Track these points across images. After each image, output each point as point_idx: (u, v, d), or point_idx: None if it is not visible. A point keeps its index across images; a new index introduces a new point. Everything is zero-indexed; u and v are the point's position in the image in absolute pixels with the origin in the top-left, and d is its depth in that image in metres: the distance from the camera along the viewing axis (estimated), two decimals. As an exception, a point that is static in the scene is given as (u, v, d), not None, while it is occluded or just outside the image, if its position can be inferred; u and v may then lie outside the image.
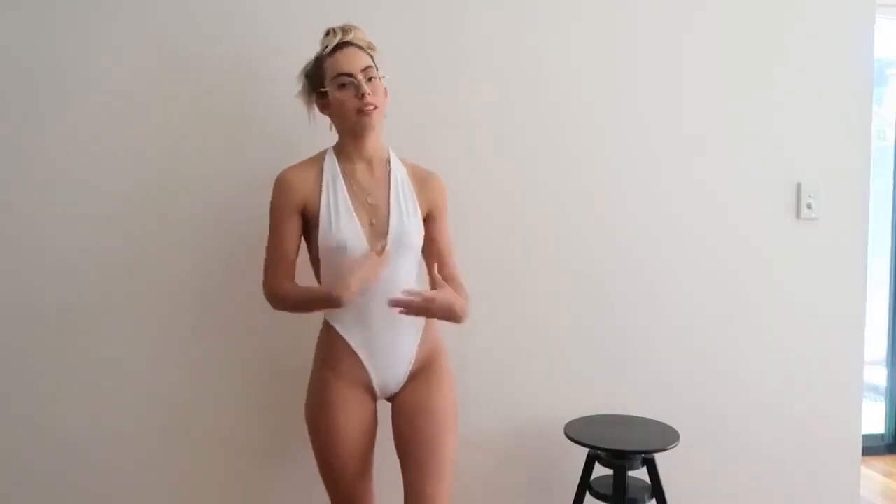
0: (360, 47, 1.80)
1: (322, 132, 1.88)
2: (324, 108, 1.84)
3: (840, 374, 2.48)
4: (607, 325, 2.33)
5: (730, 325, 2.40)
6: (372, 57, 1.82)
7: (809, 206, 2.42)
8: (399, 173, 1.85)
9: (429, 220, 1.88)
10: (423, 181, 1.88)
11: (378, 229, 1.78)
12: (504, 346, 2.13)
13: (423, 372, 1.85)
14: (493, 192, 2.22)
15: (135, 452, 2.09)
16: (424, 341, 1.85)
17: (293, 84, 1.89)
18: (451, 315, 1.76)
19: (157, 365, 2.09)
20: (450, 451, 1.81)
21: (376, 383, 1.82)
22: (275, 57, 2.05)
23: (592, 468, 2.12)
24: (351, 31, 1.81)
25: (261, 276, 1.82)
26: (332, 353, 1.82)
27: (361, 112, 1.75)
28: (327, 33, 1.82)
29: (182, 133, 2.06)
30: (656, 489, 2.07)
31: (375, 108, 1.76)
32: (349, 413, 1.79)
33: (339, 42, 1.78)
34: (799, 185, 2.42)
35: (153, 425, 2.09)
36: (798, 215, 2.42)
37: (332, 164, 1.82)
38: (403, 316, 1.73)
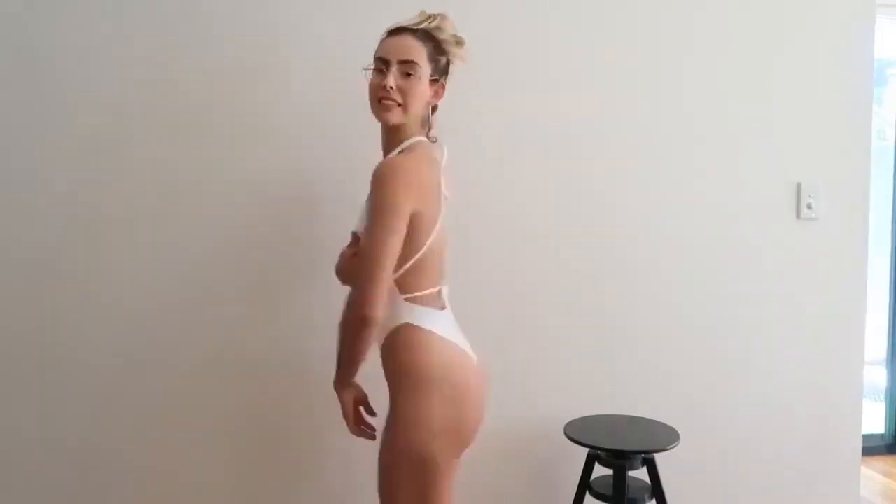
0: (432, 38, 1.68)
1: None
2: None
3: (840, 374, 2.47)
4: (607, 325, 2.32)
5: (730, 324, 2.40)
6: (446, 52, 1.71)
7: (809, 206, 2.42)
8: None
9: None
10: None
11: None
12: (504, 346, 2.13)
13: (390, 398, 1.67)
14: (493, 192, 2.22)
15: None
16: (384, 359, 1.70)
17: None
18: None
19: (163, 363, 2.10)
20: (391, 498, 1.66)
21: None
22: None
23: (592, 468, 2.12)
24: (432, 20, 1.69)
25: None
26: None
27: (379, 101, 1.66)
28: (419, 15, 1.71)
29: (189, 133, 2.07)
30: (656, 489, 2.07)
31: (395, 103, 1.64)
32: None
33: (403, 27, 1.68)
34: (799, 185, 2.42)
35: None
36: (798, 215, 2.42)
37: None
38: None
